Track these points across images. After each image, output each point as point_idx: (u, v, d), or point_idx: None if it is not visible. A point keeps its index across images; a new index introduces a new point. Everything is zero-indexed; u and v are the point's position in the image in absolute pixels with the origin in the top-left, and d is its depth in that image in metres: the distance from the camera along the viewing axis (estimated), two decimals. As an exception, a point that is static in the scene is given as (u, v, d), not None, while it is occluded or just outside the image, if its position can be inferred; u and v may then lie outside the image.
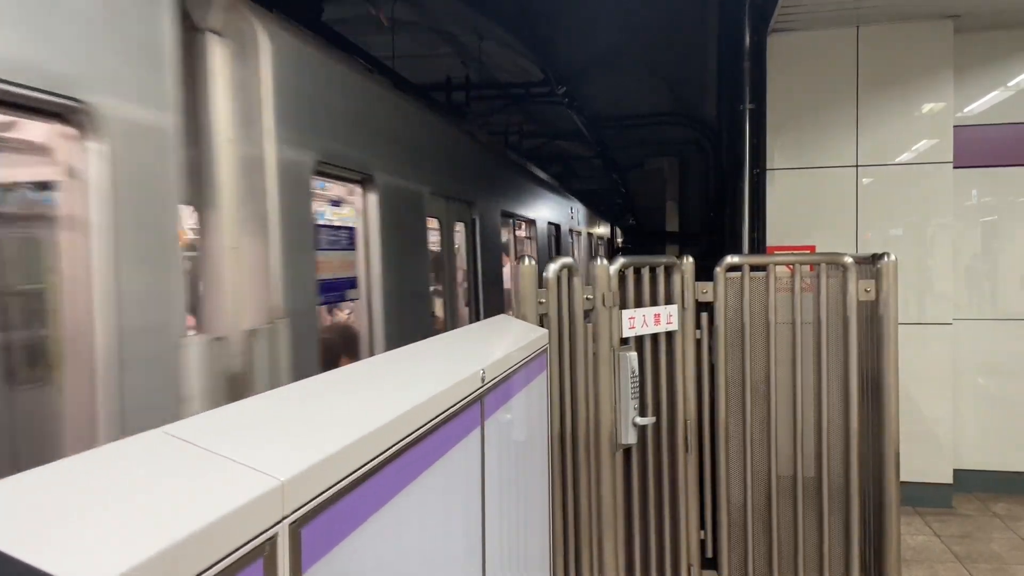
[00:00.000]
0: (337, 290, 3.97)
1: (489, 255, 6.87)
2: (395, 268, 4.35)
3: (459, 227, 6.30)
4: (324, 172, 3.69)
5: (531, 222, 9.56)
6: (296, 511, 0.98)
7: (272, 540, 0.92)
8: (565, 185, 15.52)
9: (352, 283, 4.11)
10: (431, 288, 5.33)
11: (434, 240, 5.56)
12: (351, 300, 4.18)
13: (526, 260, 3.02)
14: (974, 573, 4.48)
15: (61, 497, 0.80)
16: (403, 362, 1.88)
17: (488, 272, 6.75)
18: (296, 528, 0.98)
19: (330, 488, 1.07)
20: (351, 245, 4.11)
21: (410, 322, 4.59)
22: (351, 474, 1.13)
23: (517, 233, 9.47)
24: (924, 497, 5.52)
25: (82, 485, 0.84)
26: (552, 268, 3.04)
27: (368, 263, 4.17)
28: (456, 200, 6.06)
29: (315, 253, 3.53)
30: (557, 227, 11.36)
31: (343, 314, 4.50)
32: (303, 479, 1.00)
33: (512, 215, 8.52)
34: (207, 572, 0.80)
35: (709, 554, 3.68)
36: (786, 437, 3.57)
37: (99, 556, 0.70)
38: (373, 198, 4.14)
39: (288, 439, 1.13)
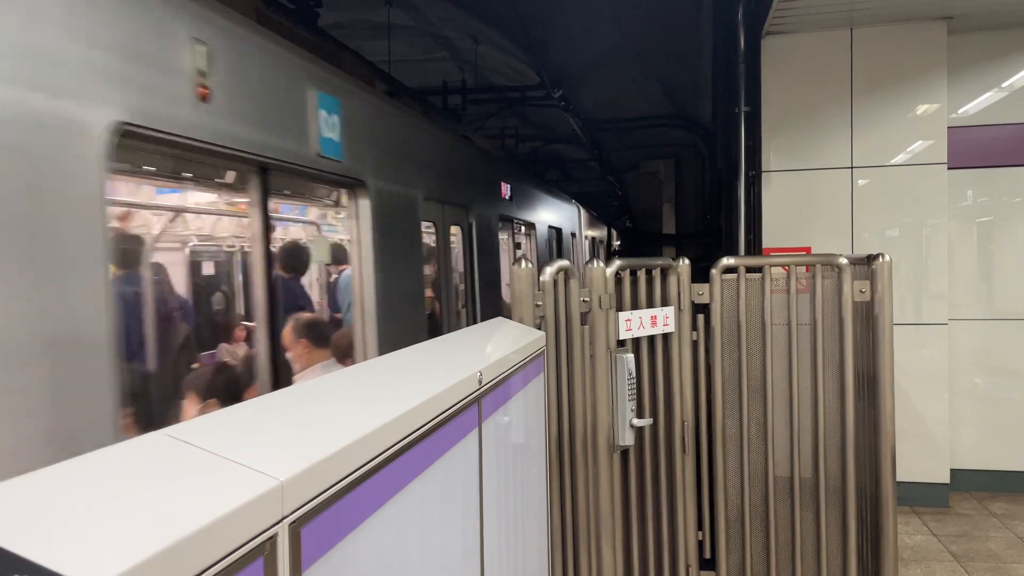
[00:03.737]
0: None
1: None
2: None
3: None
4: None
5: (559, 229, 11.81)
6: (296, 511, 0.99)
7: (272, 539, 0.94)
8: (562, 187, 15.63)
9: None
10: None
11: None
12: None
13: (522, 263, 3.03)
14: (971, 572, 4.49)
15: (65, 497, 0.82)
16: (401, 364, 1.89)
17: None
18: (296, 528, 0.99)
19: (329, 488, 1.08)
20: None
21: None
22: (350, 475, 1.14)
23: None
24: (921, 496, 5.54)
25: (85, 485, 0.86)
26: (549, 271, 3.05)
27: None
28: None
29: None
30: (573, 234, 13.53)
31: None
32: (302, 479, 1.01)
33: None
34: (208, 570, 0.81)
35: (707, 555, 3.69)
36: (783, 438, 3.58)
37: (102, 554, 0.71)
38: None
39: (287, 440, 1.14)
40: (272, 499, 0.94)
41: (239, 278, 5.32)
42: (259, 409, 1.28)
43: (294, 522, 0.99)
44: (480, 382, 1.88)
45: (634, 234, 18.57)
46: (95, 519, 0.78)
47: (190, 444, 1.00)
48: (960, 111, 5.84)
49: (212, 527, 0.82)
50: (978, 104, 5.84)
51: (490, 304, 7.03)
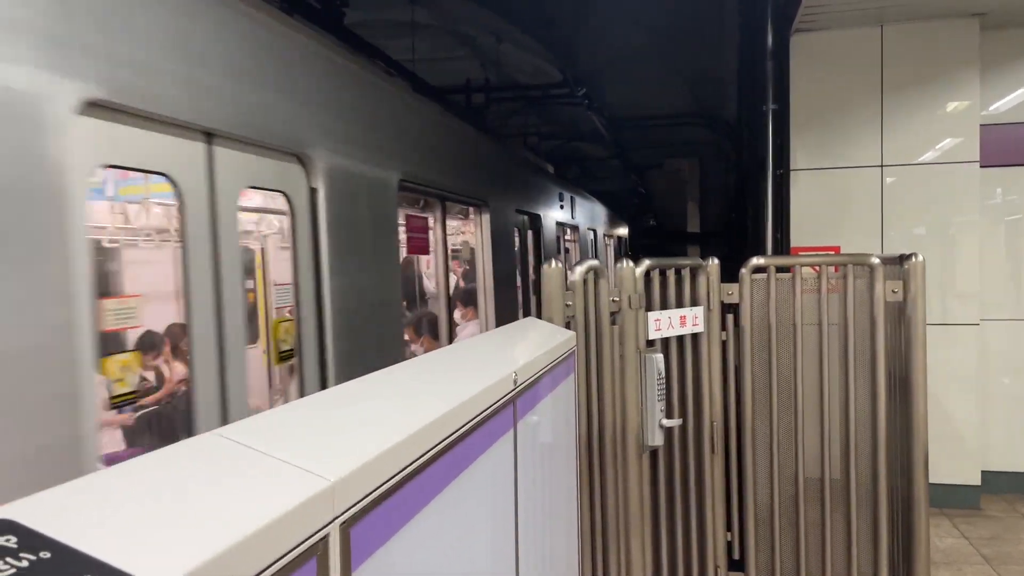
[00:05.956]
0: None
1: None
2: None
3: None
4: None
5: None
6: (346, 511, 1.00)
7: (325, 540, 0.95)
8: (583, 185, 15.67)
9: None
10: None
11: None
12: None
13: (552, 263, 3.03)
14: (1003, 575, 4.43)
15: (126, 498, 0.83)
16: (440, 365, 1.90)
17: None
18: (346, 528, 1.00)
19: (377, 489, 1.09)
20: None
21: None
22: (396, 475, 1.15)
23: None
24: (952, 499, 5.47)
25: (144, 487, 0.87)
26: (578, 271, 3.05)
27: None
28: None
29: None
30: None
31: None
32: (352, 480, 1.02)
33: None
34: (266, 571, 0.82)
35: (736, 555, 3.67)
36: (813, 438, 3.55)
37: (168, 555, 0.72)
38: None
39: (335, 440, 1.15)
40: (324, 500, 0.95)
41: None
42: (304, 410, 1.29)
43: (345, 522, 1.00)
44: (515, 382, 1.89)
45: (657, 232, 18.54)
46: (157, 520, 0.79)
47: (243, 445, 1.01)
48: (992, 108, 5.75)
49: (269, 528, 0.83)
50: (1011, 101, 5.75)
51: None
